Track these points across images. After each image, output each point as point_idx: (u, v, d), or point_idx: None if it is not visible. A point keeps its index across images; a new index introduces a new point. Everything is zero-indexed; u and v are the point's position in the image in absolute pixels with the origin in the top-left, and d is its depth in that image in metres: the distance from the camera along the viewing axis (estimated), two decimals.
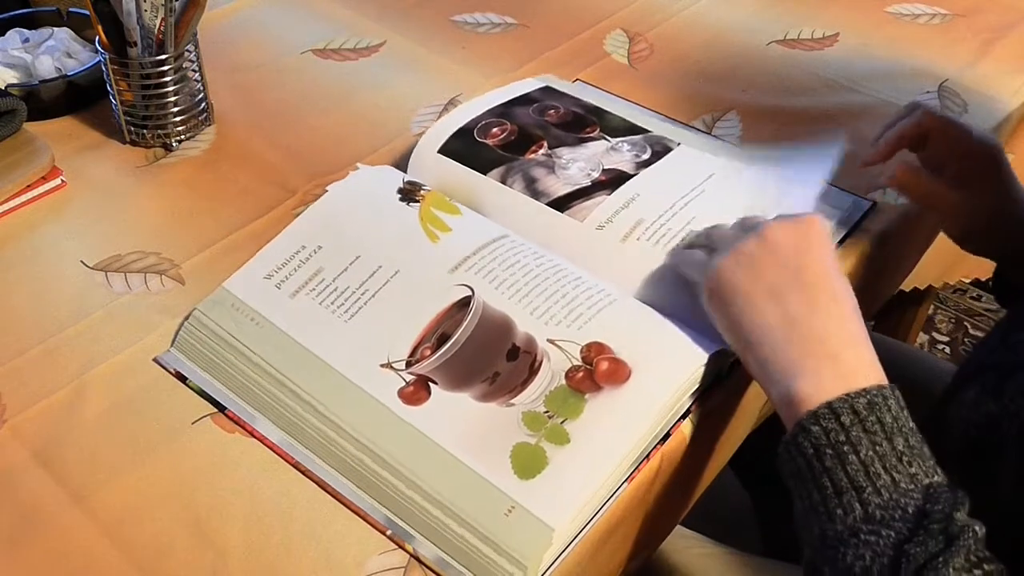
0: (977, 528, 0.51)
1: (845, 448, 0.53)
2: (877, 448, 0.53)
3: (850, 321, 0.60)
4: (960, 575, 0.49)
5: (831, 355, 0.58)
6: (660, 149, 0.80)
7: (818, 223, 0.63)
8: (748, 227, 0.65)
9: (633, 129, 0.82)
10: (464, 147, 0.80)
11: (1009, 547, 0.53)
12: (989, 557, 0.51)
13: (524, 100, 0.85)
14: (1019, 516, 0.57)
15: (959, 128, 0.75)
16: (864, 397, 0.55)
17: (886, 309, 1.38)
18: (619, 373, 0.63)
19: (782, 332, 0.59)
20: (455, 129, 0.81)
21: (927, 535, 0.50)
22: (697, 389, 0.65)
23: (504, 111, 0.83)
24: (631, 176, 0.77)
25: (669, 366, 0.64)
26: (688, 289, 0.67)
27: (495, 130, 0.80)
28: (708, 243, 0.68)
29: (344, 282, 0.69)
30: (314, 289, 0.69)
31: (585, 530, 0.59)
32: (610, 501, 0.60)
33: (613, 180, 0.76)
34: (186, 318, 0.70)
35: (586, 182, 0.76)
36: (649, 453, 0.63)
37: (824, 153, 0.80)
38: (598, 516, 0.60)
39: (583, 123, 0.83)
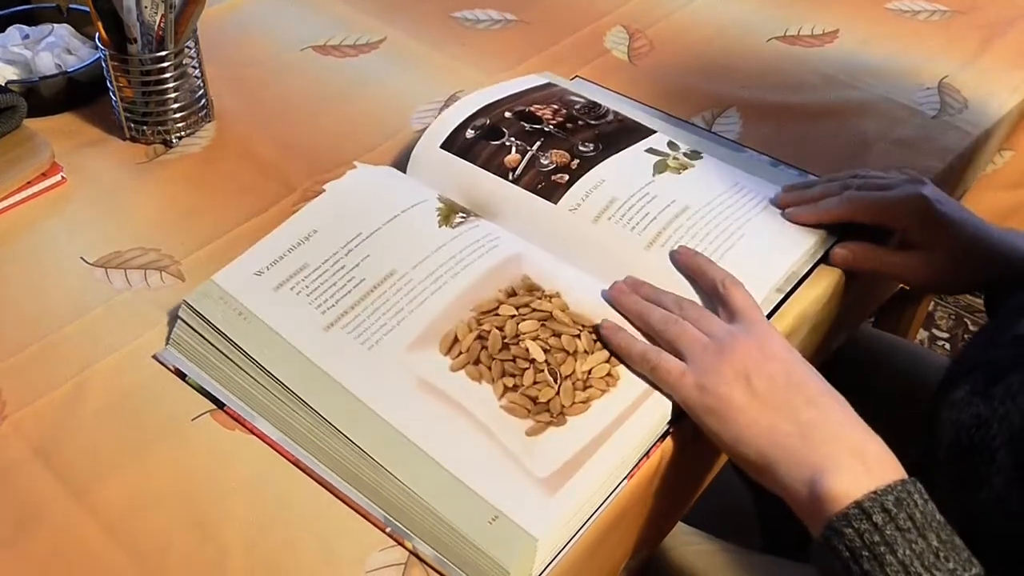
0: None
1: (881, 549, 0.53)
2: (913, 546, 0.53)
3: (853, 414, 0.60)
4: None
5: (853, 451, 0.57)
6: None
7: (768, 328, 0.64)
8: (712, 335, 0.64)
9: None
10: (466, 142, 0.80)
11: (1002, 548, 0.53)
12: None
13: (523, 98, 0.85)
14: (1011, 517, 0.56)
15: (882, 202, 0.74)
16: (891, 494, 0.54)
17: (886, 306, 1.37)
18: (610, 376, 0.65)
19: (800, 439, 0.58)
20: (456, 124, 0.81)
21: None
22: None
23: (501, 118, 0.83)
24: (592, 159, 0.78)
25: (654, 390, 0.64)
26: (675, 280, 0.68)
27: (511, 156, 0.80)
28: (671, 342, 0.65)
29: (336, 281, 0.69)
30: (307, 287, 0.69)
31: (582, 531, 0.59)
32: (609, 500, 0.60)
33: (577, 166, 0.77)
34: (177, 315, 0.69)
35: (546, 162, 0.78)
36: (649, 451, 0.63)
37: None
38: (596, 515, 0.60)
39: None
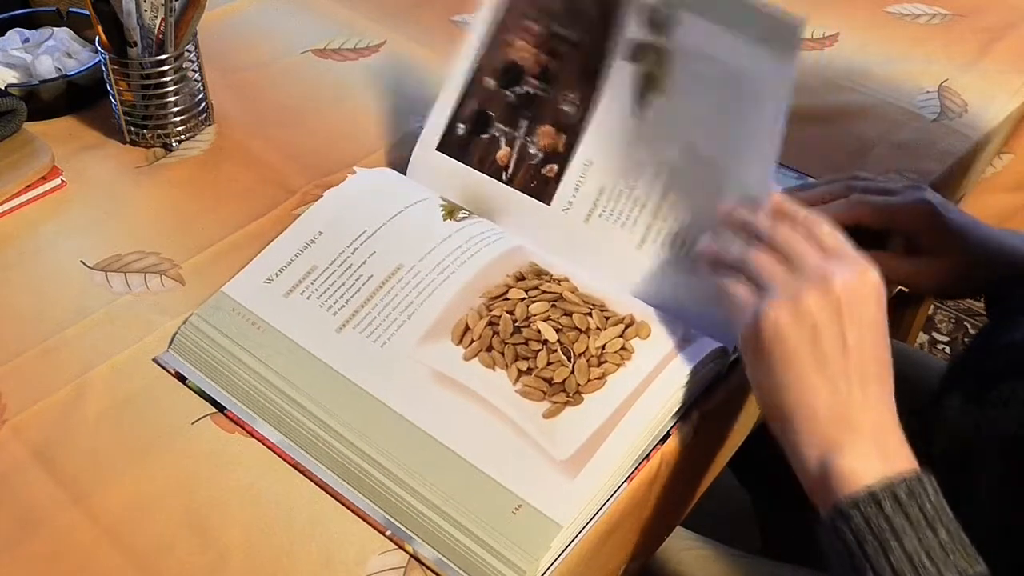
0: None
1: (888, 536, 0.52)
2: (921, 539, 0.52)
3: (891, 403, 0.58)
4: None
5: (873, 436, 0.56)
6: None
7: (878, 279, 0.61)
8: (801, 267, 0.60)
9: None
10: (460, 141, 0.79)
11: (993, 556, 0.53)
12: None
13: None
14: (999, 524, 0.56)
15: (891, 207, 0.73)
16: (905, 484, 0.53)
17: (886, 309, 1.37)
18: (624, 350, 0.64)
19: (827, 407, 0.57)
20: (447, 119, 0.80)
21: None
22: (696, 388, 0.65)
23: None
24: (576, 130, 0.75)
25: (668, 361, 0.64)
26: (669, 279, 0.68)
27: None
28: (750, 273, 0.62)
29: (345, 281, 0.69)
30: (316, 290, 0.69)
31: (584, 531, 0.59)
32: (609, 502, 0.60)
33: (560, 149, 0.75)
34: (186, 320, 0.70)
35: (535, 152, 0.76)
36: (649, 453, 0.63)
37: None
38: (597, 517, 0.60)
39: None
